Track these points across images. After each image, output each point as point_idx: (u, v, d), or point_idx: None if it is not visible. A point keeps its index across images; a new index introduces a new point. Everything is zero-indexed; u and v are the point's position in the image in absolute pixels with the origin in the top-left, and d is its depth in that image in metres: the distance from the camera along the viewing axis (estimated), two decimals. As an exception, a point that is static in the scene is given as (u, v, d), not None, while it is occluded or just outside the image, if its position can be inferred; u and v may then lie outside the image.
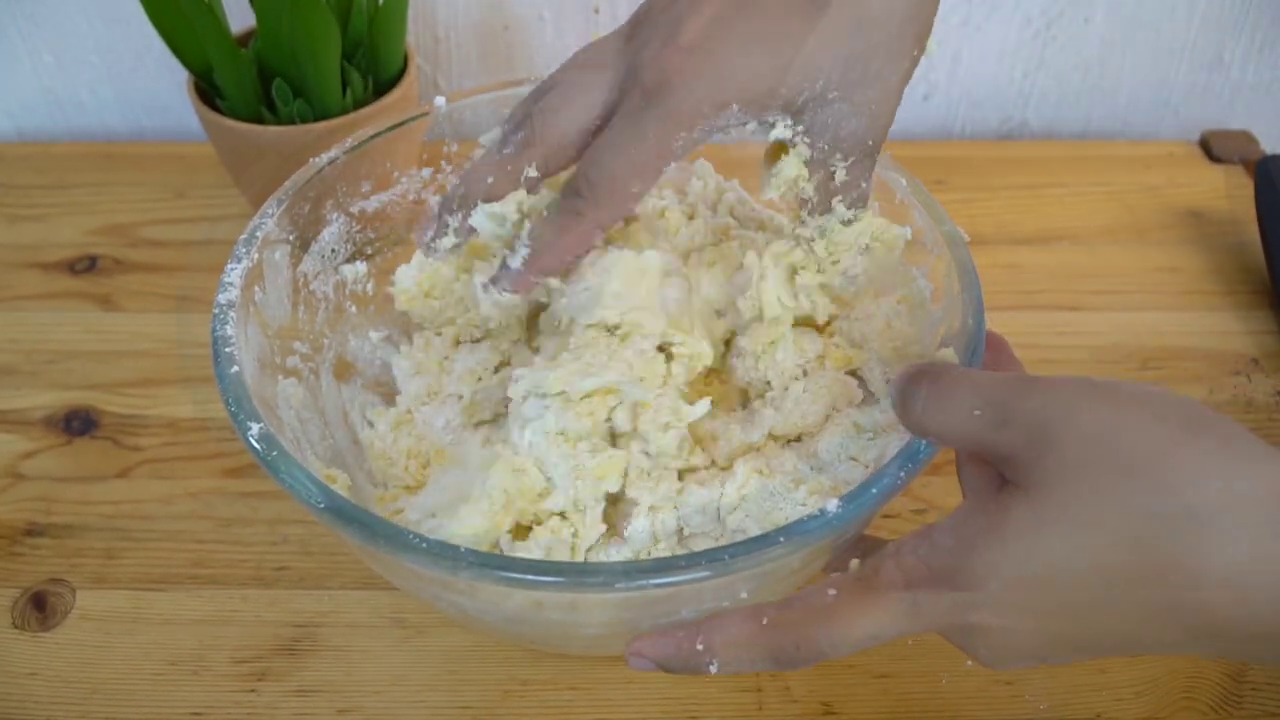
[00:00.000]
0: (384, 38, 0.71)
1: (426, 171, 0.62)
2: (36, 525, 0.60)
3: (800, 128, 0.47)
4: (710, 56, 0.45)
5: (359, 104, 0.70)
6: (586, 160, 0.47)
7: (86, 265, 0.77)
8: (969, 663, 0.54)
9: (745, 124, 0.47)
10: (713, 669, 0.40)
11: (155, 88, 0.89)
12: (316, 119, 0.69)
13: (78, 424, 0.66)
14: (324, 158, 0.57)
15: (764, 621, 0.39)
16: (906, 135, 0.92)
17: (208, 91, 0.71)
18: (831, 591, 0.39)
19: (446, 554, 0.40)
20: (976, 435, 0.38)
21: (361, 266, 0.60)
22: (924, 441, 0.43)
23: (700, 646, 0.40)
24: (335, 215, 0.58)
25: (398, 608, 0.56)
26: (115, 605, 0.57)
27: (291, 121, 0.69)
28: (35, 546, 0.59)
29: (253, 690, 0.53)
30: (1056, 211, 0.82)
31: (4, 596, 0.57)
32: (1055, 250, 0.78)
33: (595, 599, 0.42)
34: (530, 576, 0.39)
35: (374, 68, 0.72)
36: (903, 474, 0.42)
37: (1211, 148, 0.87)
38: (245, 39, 0.73)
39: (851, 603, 0.39)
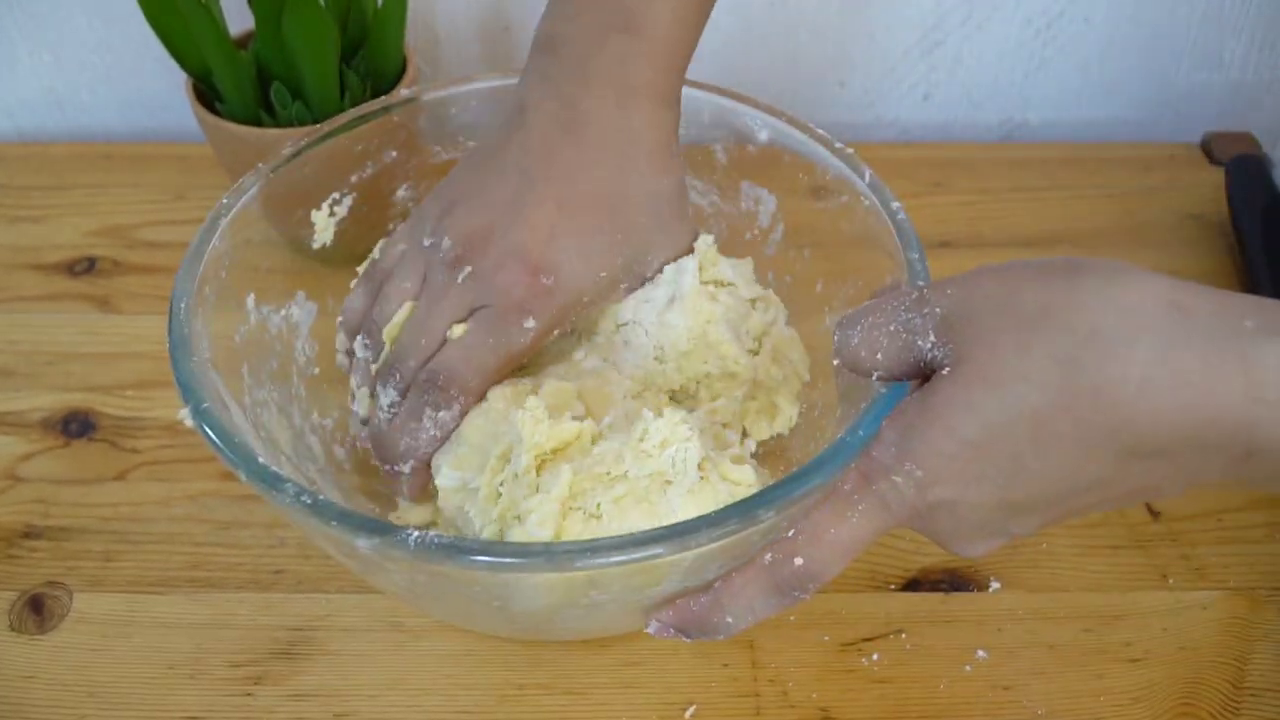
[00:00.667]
0: (383, 40, 0.70)
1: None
2: (34, 528, 0.60)
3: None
4: (562, 277, 0.52)
5: (357, 106, 0.70)
6: (441, 361, 0.52)
7: (85, 267, 0.77)
8: (967, 668, 0.54)
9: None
10: (729, 622, 0.44)
11: (155, 88, 0.88)
12: (315, 121, 0.69)
13: (76, 426, 0.66)
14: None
15: (766, 560, 0.43)
16: (905, 137, 0.92)
17: (206, 94, 0.71)
18: (810, 513, 0.42)
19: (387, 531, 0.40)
20: (903, 352, 0.41)
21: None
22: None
23: (712, 603, 0.44)
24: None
25: (394, 611, 0.56)
26: (112, 608, 0.57)
27: (290, 124, 0.69)
28: (32, 549, 0.59)
29: (249, 694, 0.53)
30: (1056, 213, 0.82)
31: (1, 599, 0.57)
32: (1055, 252, 0.78)
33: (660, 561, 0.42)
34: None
35: (373, 70, 0.72)
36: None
37: (1212, 150, 0.86)
38: (244, 41, 0.73)
39: (829, 516, 0.42)
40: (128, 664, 0.54)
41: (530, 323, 0.52)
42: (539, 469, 0.47)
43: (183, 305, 0.49)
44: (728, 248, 0.60)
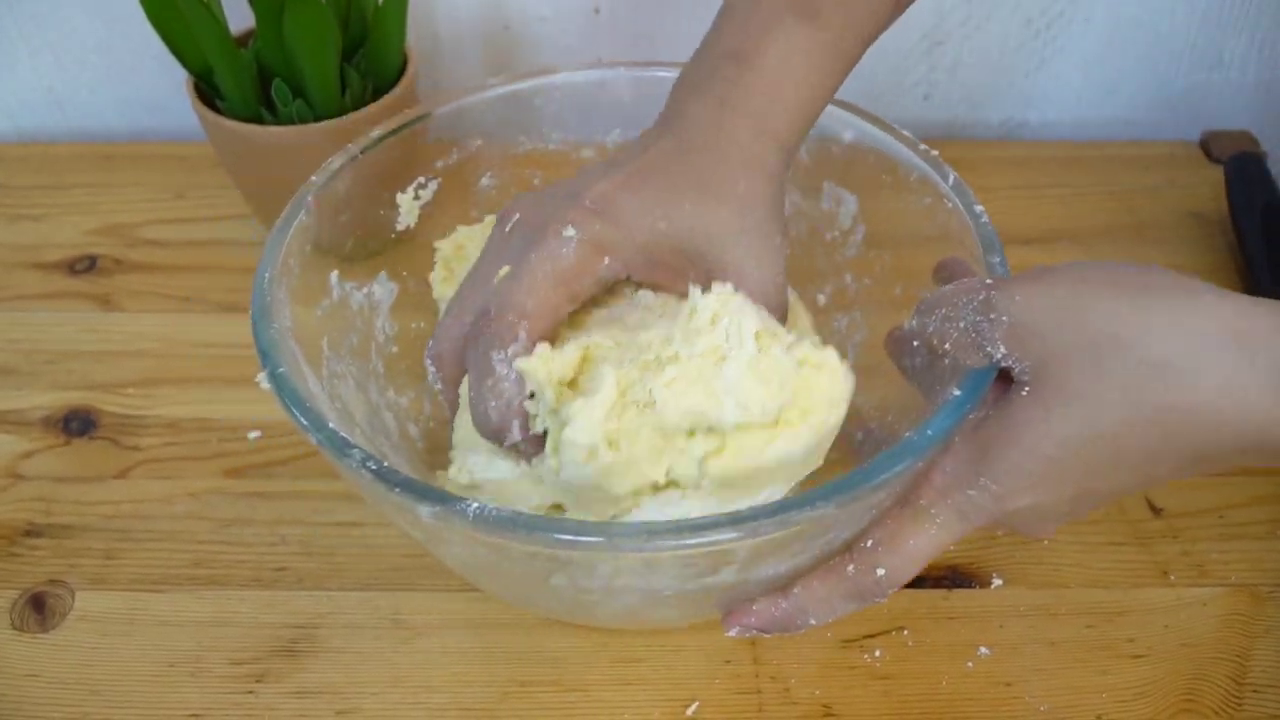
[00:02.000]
0: (383, 38, 0.70)
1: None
2: (35, 526, 0.60)
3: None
4: (611, 209, 0.49)
5: (358, 105, 0.70)
6: (489, 298, 0.49)
7: (86, 265, 0.77)
8: (969, 664, 0.54)
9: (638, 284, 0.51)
10: (811, 622, 0.47)
11: (155, 87, 0.88)
12: (316, 119, 0.69)
13: (77, 424, 0.66)
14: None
15: (849, 570, 0.46)
16: (906, 135, 0.92)
17: (207, 92, 0.71)
18: (887, 524, 0.45)
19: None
20: (973, 352, 0.44)
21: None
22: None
23: (794, 608, 0.46)
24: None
25: (397, 609, 0.56)
26: (114, 606, 0.57)
27: (290, 122, 0.69)
28: (34, 547, 0.59)
29: (251, 692, 0.53)
30: (1057, 212, 0.82)
31: (3, 598, 0.57)
32: (1056, 251, 0.78)
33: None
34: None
35: (373, 68, 0.72)
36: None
37: (1211, 148, 0.86)
38: (245, 39, 0.73)
39: (907, 526, 0.45)
40: (129, 662, 0.54)
41: (570, 231, 0.47)
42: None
43: (266, 276, 0.50)
44: (808, 248, 0.61)
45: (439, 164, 0.61)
